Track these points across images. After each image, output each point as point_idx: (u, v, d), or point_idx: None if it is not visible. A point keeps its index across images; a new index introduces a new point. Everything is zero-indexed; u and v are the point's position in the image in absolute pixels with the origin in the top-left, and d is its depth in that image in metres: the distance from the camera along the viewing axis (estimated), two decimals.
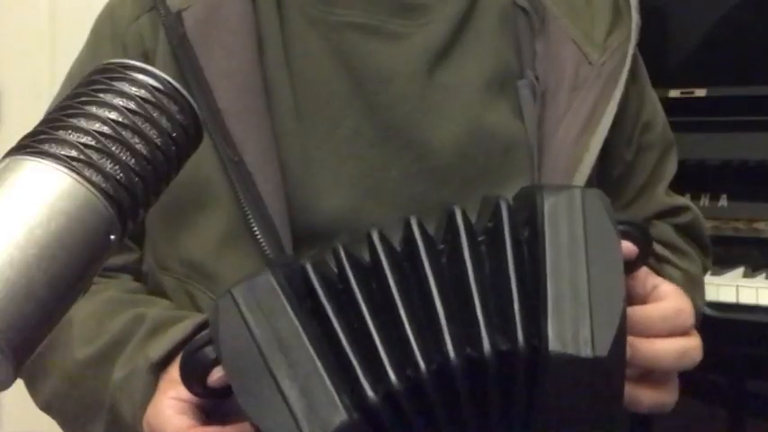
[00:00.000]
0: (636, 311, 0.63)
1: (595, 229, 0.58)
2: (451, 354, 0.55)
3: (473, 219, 0.63)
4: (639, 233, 0.63)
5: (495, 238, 0.60)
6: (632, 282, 0.65)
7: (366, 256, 0.61)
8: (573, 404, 0.57)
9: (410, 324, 0.56)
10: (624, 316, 0.56)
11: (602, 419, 0.57)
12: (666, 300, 0.65)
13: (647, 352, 0.63)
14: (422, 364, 0.55)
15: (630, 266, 0.63)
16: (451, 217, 0.60)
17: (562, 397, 0.56)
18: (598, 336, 0.55)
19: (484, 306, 0.57)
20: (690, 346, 0.65)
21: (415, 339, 0.56)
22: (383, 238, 0.60)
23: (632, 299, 0.65)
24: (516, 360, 0.56)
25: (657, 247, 0.83)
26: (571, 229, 0.58)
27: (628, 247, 0.62)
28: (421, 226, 0.60)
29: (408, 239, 0.60)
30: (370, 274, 0.59)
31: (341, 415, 0.52)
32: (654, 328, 0.64)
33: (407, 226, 0.60)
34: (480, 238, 0.61)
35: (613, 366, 0.56)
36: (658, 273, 0.69)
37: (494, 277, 0.59)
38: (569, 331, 0.55)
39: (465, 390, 0.56)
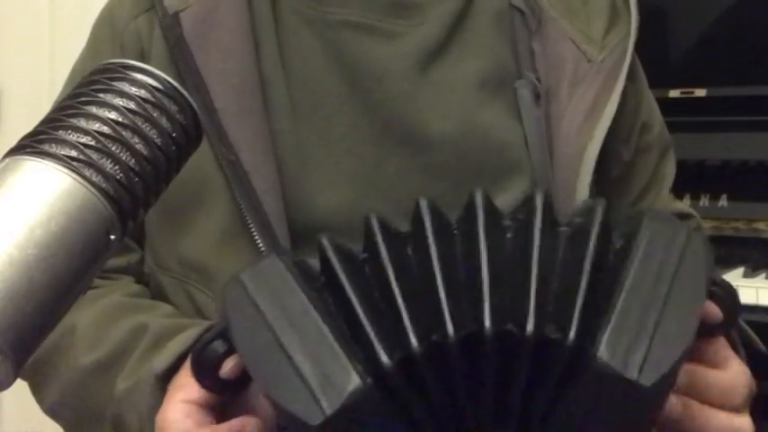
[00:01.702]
0: (699, 371, 0.61)
1: (687, 269, 0.57)
2: (487, 323, 0.54)
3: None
4: (728, 297, 0.61)
5: (579, 233, 0.59)
6: (707, 346, 0.63)
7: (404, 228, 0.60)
8: (595, 419, 0.56)
9: (446, 289, 0.55)
10: (682, 362, 0.55)
11: None
12: (733, 373, 0.63)
13: (700, 416, 0.60)
14: (450, 328, 0.54)
15: (709, 330, 0.61)
16: (530, 198, 0.59)
17: (588, 408, 0.55)
18: (649, 365, 0.53)
19: (541, 290, 0.55)
20: (740, 428, 0.62)
21: (448, 304, 0.55)
22: (433, 207, 0.59)
23: (701, 362, 0.63)
24: (559, 352, 0.54)
25: None
26: (665, 260, 0.57)
27: (713, 308, 0.60)
28: (488, 199, 0.59)
29: (469, 208, 0.59)
30: (407, 242, 0.59)
31: (354, 381, 0.52)
32: (706, 393, 0.61)
33: (471, 196, 0.59)
34: (562, 228, 0.60)
35: (651, 401, 0.55)
36: (733, 345, 0.67)
37: (564, 269, 0.58)
38: (623, 348, 0.53)
39: (490, 363, 0.55)
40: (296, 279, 0.57)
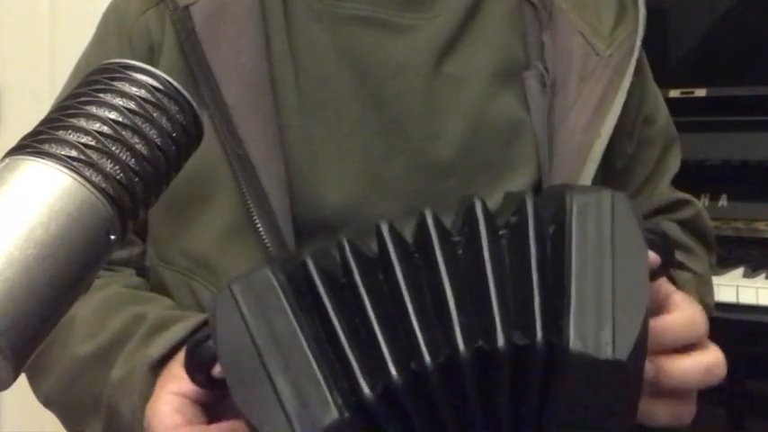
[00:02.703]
0: (655, 323, 0.62)
1: (623, 232, 0.57)
2: (461, 345, 0.54)
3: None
4: (663, 243, 0.62)
5: (517, 232, 0.59)
6: (654, 294, 0.64)
7: (374, 249, 0.60)
8: (586, 407, 0.56)
9: (417, 316, 0.55)
10: (647, 323, 0.55)
11: (612, 424, 0.56)
12: (679, 310, 0.64)
13: (673, 371, 0.62)
14: (427, 357, 0.54)
15: (651, 276, 0.61)
16: (471, 209, 0.59)
17: (576, 398, 0.55)
18: (619, 339, 0.53)
19: (500, 300, 0.56)
20: (714, 363, 0.63)
21: (422, 331, 0.55)
22: (392, 230, 0.59)
23: (652, 312, 0.63)
24: (533, 356, 0.55)
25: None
26: (599, 230, 0.57)
27: (653, 257, 0.61)
28: (436, 217, 0.59)
29: (422, 230, 0.59)
30: (377, 267, 0.59)
31: (332, 414, 0.52)
32: (668, 340, 0.62)
33: (422, 217, 0.59)
34: (501, 232, 0.60)
35: (631, 372, 0.55)
36: (673, 281, 0.68)
37: (514, 272, 0.58)
38: (591, 331, 0.54)
39: (472, 384, 0.55)
40: (287, 297, 0.56)
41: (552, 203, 0.60)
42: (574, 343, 0.53)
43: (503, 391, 0.56)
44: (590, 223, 0.57)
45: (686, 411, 0.65)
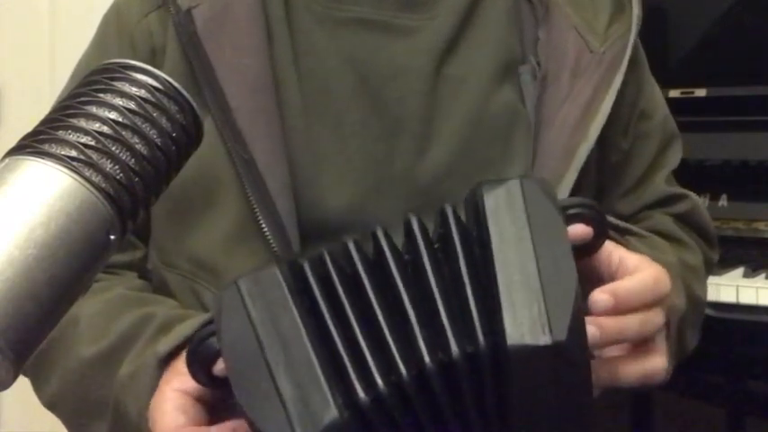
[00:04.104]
0: (619, 288, 0.63)
1: (538, 215, 0.58)
2: (426, 359, 0.56)
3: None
4: (592, 212, 0.63)
5: (447, 242, 0.60)
6: (596, 262, 0.65)
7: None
8: (541, 396, 0.56)
9: (389, 332, 0.57)
10: (579, 298, 0.56)
11: (572, 410, 0.57)
12: (641, 271, 0.64)
13: (620, 330, 0.62)
14: (403, 370, 0.55)
15: (589, 247, 0.63)
16: (408, 227, 0.61)
17: (530, 390, 0.56)
18: (554, 321, 0.54)
19: (448, 311, 0.57)
20: (650, 317, 0.64)
21: (395, 346, 0.56)
22: (359, 248, 0.60)
23: (599, 278, 0.65)
24: (481, 360, 0.56)
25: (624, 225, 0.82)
26: (514, 219, 0.58)
27: (582, 228, 0.62)
28: (387, 236, 0.61)
29: (378, 251, 0.61)
30: (352, 283, 0.60)
31: (332, 413, 0.52)
32: (633, 302, 0.63)
33: (375, 238, 0.61)
34: (436, 245, 0.61)
35: (575, 350, 0.56)
36: (623, 245, 0.68)
37: (452, 281, 0.59)
38: (525, 321, 0.55)
39: (443, 393, 0.56)
40: (293, 296, 0.57)
41: (471, 205, 0.61)
42: (511, 338, 0.54)
43: (467, 395, 0.57)
44: (504, 215, 0.58)
45: (653, 366, 0.66)
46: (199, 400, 0.63)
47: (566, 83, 0.79)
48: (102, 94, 0.43)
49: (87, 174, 0.41)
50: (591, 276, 0.64)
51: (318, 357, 0.54)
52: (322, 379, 0.54)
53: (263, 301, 0.56)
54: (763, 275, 1.27)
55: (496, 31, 0.81)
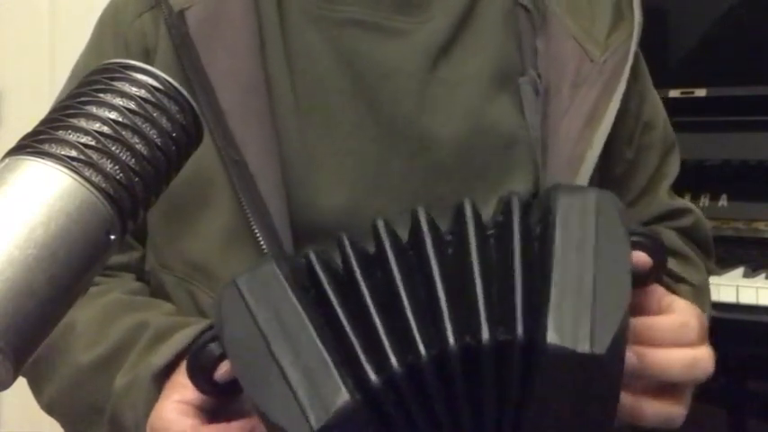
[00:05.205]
0: (640, 321, 0.62)
1: (606, 231, 0.58)
2: (450, 340, 0.55)
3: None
4: (655, 246, 0.62)
5: (504, 231, 0.60)
6: (646, 297, 0.64)
7: (371, 249, 0.61)
8: (565, 400, 0.56)
9: (412, 311, 0.56)
10: (627, 319, 0.56)
11: (593, 421, 0.57)
12: (674, 313, 0.64)
13: (655, 360, 0.61)
14: (422, 350, 0.55)
15: (644, 279, 0.62)
16: (460, 209, 0.61)
17: (555, 391, 0.56)
18: (598, 333, 0.54)
19: (486, 297, 0.57)
20: (700, 357, 0.63)
21: (417, 326, 0.56)
22: (388, 227, 0.60)
23: (645, 313, 0.64)
24: (513, 350, 0.56)
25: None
26: (583, 229, 0.58)
27: (643, 257, 0.61)
28: (429, 216, 0.60)
29: (415, 229, 0.60)
30: (375, 264, 0.59)
31: (343, 396, 0.52)
32: (657, 339, 0.62)
33: (415, 216, 0.61)
34: (490, 232, 0.61)
35: (610, 366, 0.56)
36: (674, 292, 0.67)
37: (500, 270, 0.59)
38: (569, 326, 0.54)
39: (461, 377, 0.56)
40: (293, 288, 0.57)
41: (543, 203, 0.61)
42: (551, 336, 0.54)
43: (487, 383, 0.57)
44: (574, 223, 0.58)
45: (676, 413, 0.65)
46: (200, 409, 0.63)
47: (566, 94, 0.78)
48: (102, 94, 0.43)
49: (87, 174, 0.41)
50: (637, 309, 0.63)
51: (325, 344, 0.54)
52: (331, 365, 0.53)
53: (264, 296, 0.56)
54: (763, 275, 1.27)
55: (493, 37, 0.81)
